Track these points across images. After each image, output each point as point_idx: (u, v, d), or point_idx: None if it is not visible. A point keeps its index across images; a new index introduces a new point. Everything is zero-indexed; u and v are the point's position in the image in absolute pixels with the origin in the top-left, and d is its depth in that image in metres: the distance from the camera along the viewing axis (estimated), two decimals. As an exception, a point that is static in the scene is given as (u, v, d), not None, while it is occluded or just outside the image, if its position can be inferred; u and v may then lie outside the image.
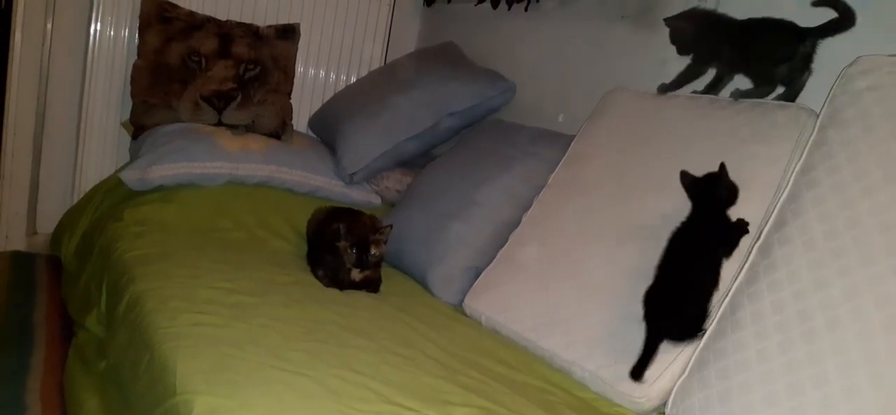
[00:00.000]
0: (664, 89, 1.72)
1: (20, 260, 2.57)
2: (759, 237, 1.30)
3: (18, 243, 2.65)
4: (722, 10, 1.67)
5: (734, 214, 1.34)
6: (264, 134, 2.43)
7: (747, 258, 1.29)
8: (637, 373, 1.30)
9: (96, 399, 1.49)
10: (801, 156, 1.32)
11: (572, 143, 1.85)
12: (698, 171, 1.36)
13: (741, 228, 1.33)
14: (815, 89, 1.45)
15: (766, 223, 1.30)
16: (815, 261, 1.17)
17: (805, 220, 1.23)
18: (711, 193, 1.33)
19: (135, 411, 1.24)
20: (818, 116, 1.34)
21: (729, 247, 1.33)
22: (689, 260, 1.31)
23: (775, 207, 1.30)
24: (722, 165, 1.32)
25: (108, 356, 1.52)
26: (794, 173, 1.31)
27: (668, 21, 1.67)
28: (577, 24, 2.20)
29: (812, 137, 1.32)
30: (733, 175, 1.33)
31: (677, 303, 1.30)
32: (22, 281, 2.39)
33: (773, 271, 1.21)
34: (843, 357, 1.07)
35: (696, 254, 1.31)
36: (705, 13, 1.67)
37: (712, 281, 1.30)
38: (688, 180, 1.36)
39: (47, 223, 2.60)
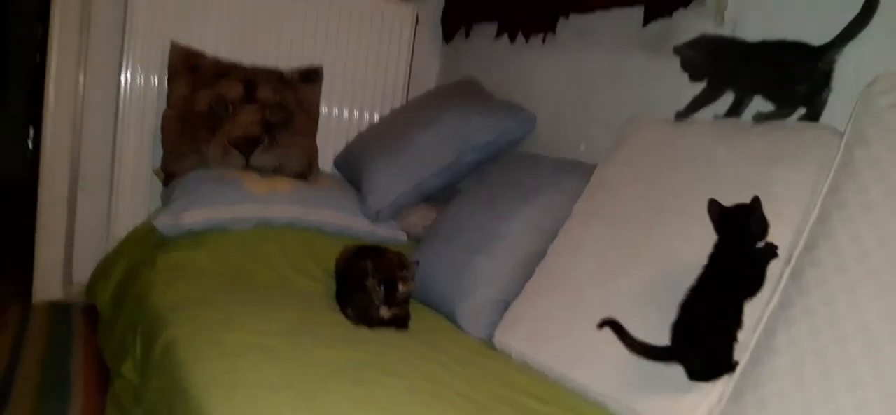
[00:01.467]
0: (680, 116, 1.71)
1: (57, 310, 2.62)
2: (790, 261, 1.27)
3: (55, 294, 2.70)
4: (733, 34, 1.66)
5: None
6: (291, 176, 2.46)
7: (779, 282, 1.26)
8: (637, 347, 1.29)
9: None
10: (828, 176, 1.30)
11: (595, 172, 1.84)
12: (723, 196, 1.32)
13: (769, 253, 1.28)
14: (837, 107, 1.43)
15: (797, 247, 1.27)
16: (848, 283, 1.14)
17: (836, 241, 1.20)
18: (741, 227, 1.28)
19: (171, 458, 1.24)
20: (843, 135, 1.32)
21: (754, 287, 1.28)
22: (714, 299, 1.27)
23: (805, 229, 1.28)
24: (756, 199, 1.26)
25: (143, 404, 1.53)
26: (823, 195, 1.28)
27: (677, 50, 1.65)
28: (595, 53, 2.20)
29: (838, 157, 1.29)
30: (760, 198, 1.29)
31: (702, 341, 1.27)
32: (59, 331, 2.43)
33: (807, 295, 1.19)
34: (883, 381, 1.03)
35: (720, 294, 1.27)
36: (715, 39, 1.65)
37: (736, 321, 1.26)
38: (716, 211, 1.30)
39: (83, 272, 2.64)
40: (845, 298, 1.14)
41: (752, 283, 1.28)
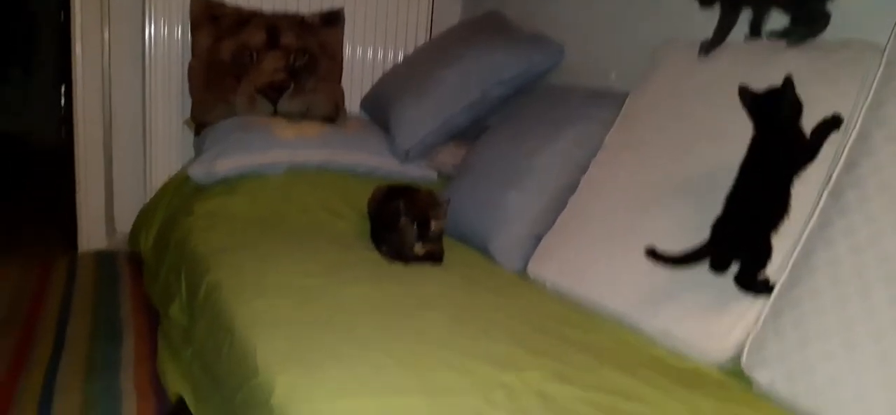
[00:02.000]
0: (706, 48, 1.65)
1: (103, 259, 2.70)
2: (829, 181, 1.25)
3: (100, 243, 2.79)
4: None
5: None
6: (319, 120, 2.47)
7: (818, 202, 1.24)
8: (665, 259, 1.30)
9: (188, 383, 1.57)
10: (868, 94, 1.26)
11: (626, 101, 1.81)
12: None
13: (829, 125, 1.24)
14: (878, 20, 1.37)
15: (837, 167, 1.25)
16: (891, 201, 1.12)
17: (878, 159, 1.17)
18: (775, 110, 1.25)
19: (223, 391, 1.29)
20: (883, 51, 1.27)
21: (802, 160, 1.25)
22: (757, 187, 1.26)
23: (845, 148, 1.25)
24: (787, 79, 1.23)
25: (193, 343, 1.59)
26: (863, 112, 1.25)
27: None
28: (623, -23, 2.13)
29: (879, 73, 1.25)
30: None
31: (744, 235, 1.26)
32: (107, 278, 2.51)
33: (848, 214, 1.17)
34: (926, 297, 1.03)
35: (764, 179, 1.25)
36: None
37: (782, 208, 1.24)
38: (748, 97, 1.28)
39: (124, 222, 2.72)
40: (888, 216, 1.12)
41: (800, 157, 1.25)
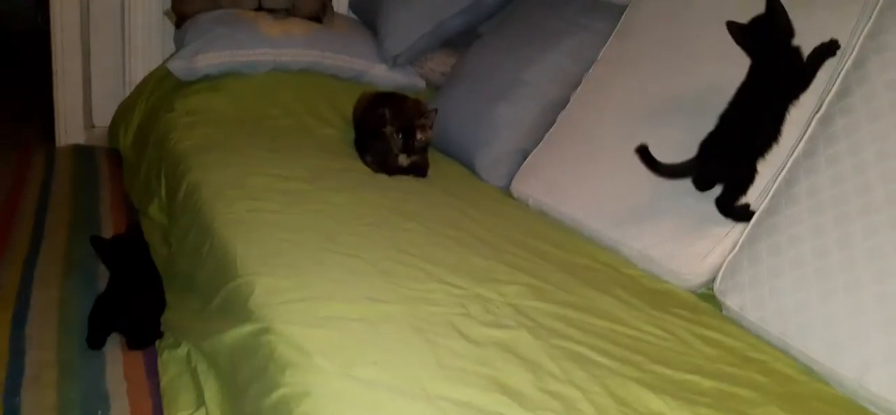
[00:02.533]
0: None
1: (81, 153, 2.69)
2: (820, 108, 1.25)
3: (78, 137, 2.77)
4: None
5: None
6: (305, 17, 2.41)
7: (806, 130, 1.26)
8: (656, 166, 1.32)
9: (165, 283, 1.60)
10: (869, 18, 1.25)
11: (624, 13, 1.78)
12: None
13: (824, 51, 1.24)
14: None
15: (829, 93, 1.25)
16: (879, 131, 1.14)
17: (871, 87, 1.18)
18: (765, 36, 1.25)
19: (202, 293, 1.33)
20: (891, -25, 1.25)
21: (801, 85, 1.25)
22: (751, 110, 1.27)
23: (838, 75, 1.25)
24: (769, 2, 1.23)
25: (171, 243, 1.61)
26: (861, 37, 1.24)
27: None
28: None
29: (882, -1, 1.24)
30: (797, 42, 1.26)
31: (730, 157, 1.29)
32: (85, 173, 2.51)
33: (834, 143, 1.18)
34: (901, 230, 1.05)
35: (758, 103, 1.27)
36: None
37: (772, 135, 1.26)
38: (735, 30, 1.28)
39: (103, 116, 2.70)
40: (873, 146, 1.14)
41: (796, 83, 1.26)
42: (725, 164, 1.30)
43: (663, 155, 1.38)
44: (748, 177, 1.27)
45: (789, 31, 1.25)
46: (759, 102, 1.27)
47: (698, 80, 1.49)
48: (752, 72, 1.28)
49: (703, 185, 1.32)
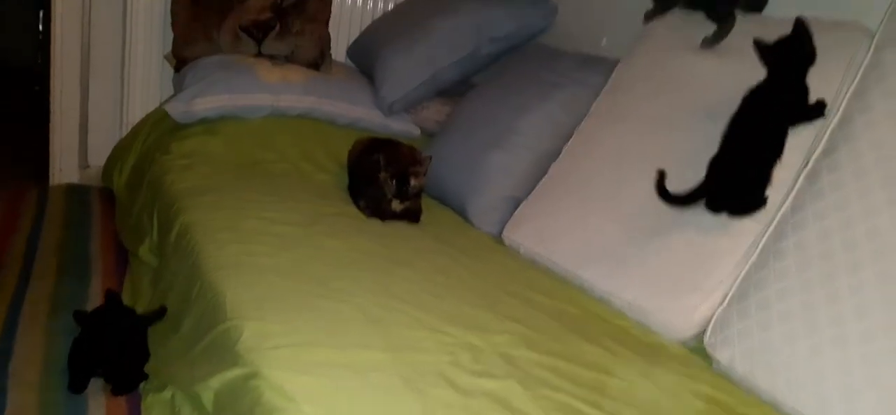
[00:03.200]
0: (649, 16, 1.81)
1: (75, 192, 2.69)
2: (807, 163, 1.28)
3: (72, 176, 2.77)
4: None
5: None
6: (303, 64, 2.45)
7: (794, 186, 1.28)
8: (668, 196, 1.34)
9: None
10: (854, 78, 1.28)
11: (615, 69, 1.82)
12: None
13: (818, 107, 1.29)
14: (873, 4, 1.39)
15: (816, 150, 1.28)
16: (864, 188, 1.16)
17: (856, 145, 1.20)
18: (790, 54, 1.29)
19: (188, 336, 1.32)
20: (874, 36, 1.29)
21: (801, 117, 1.30)
22: (757, 127, 1.30)
23: (825, 132, 1.28)
24: (798, 21, 1.28)
25: (160, 285, 1.60)
26: (847, 97, 1.27)
27: None
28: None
29: (867, 59, 1.28)
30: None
31: (739, 172, 1.31)
32: (77, 213, 2.51)
33: (820, 199, 1.20)
34: (888, 288, 1.07)
35: (765, 121, 1.30)
36: None
37: (777, 151, 1.29)
38: (762, 45, 1.32)
39: (98, 156, 2.71)
40: (859, 204, 1.15)
41: (800, 113, 1.30)
42: (736, 177, 1.33)
43: (656, 209, 1.39)
44: (761, 183, 1.30)
45: (813, 56, 1.29)
46: (767, 115, 1.30)
47: (687, 133, 1.51)
48: (759, 91, 1.31)
49: (715, 204, 1.33)
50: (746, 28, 1.57)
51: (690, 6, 1.71)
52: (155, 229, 1.77)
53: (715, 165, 1.33)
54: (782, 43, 1.29)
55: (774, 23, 1.48)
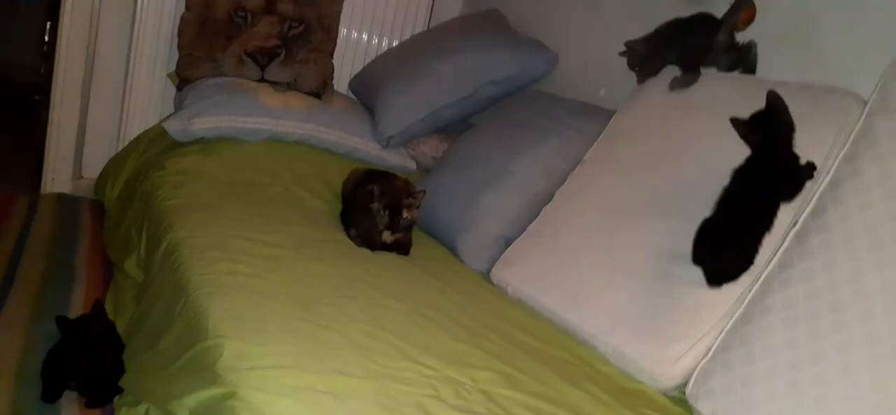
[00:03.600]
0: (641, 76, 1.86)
1: (65, 203, 2.68)
2: (795, 223, 1.29)
3: (64, 186, 2.77)
4: None
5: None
6: (305, 92, 2.48)
7: (782, 243, 1.29)
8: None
9: (127, 341, 1.56)
10: (845, 143, 1.30)
11: (612, 119, 1.85)
12: (740, 151, 1.34)
13: (808, 169, 1.31)
14: (864, 74, 1.42)
15: (805, 210, 1.29)
16: (852, 251, 1.16)
17: (845, 208, 1.22)
18: (769, 129, 1.31)
19: (167, 352, 1.29)
20: (866, 103, 1.32)
21: (792, 188, 1.31)
22: (748, 199, 1.31)
23: (815, 194, 1.29)
24: (771, 94, 1.30)
25: (143, 300, 1.59)
26: (838, 160, 1.29)
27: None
28: (623, -5, 2.18)
29: (859, 124, 1.30)
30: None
31: (728, 241, 1.31)
32: (66, 223, 2.50)
33: (809, 259, 1.21)
34: (872, 350, 1.07)
35: (756, 194, 1.31)
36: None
37: (767, 223, 1.30)
38: (739, 125, 1.34)
39: (92, 168, 2.71)
40: (847, 266, 1.16)
41: (790, 185, 1.31)
42: (723, 249, 1.33)
43: (646, 257, 1.40)
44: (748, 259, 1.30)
45: (791, 128, 1.31)
46: (755, 193, 1.31)
47: (680, 187, 1.53)
48: (751, 161, 1.33)
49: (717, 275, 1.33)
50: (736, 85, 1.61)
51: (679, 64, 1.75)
52: (143, 244, 1.76)
53: (705, 230, 1.33)
54: (759, 118, 1.32)
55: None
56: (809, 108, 1.42)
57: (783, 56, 1.65)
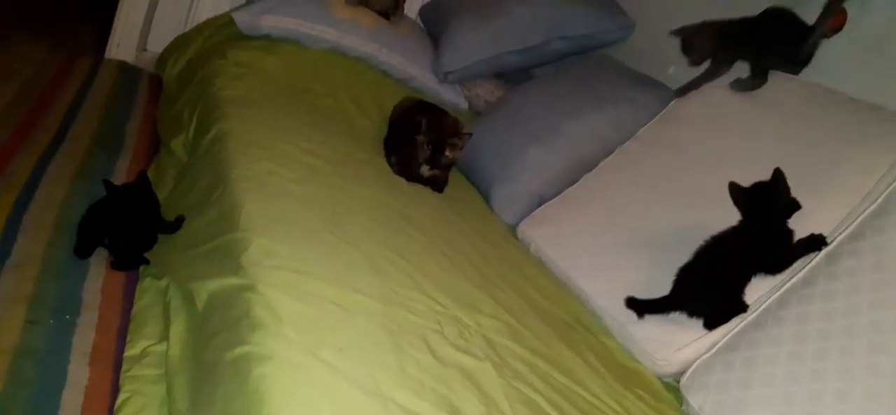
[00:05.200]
0: (681, 92, 1.86)
1: (126, 72, 2.82)
2: (830, 242, 1.31)
3: (128, 55, 2.91)
4: None
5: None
6: (376, 10, 2.52)
7: (812, 258, 1.31)
8: (636, 307, 1.39)
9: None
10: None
11: (672, 102, 1.85)
12: (793, 158, 1.36)
13: (813, 244, 1.31)
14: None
15: (843, 231, 1.30)
16: (879, 281, 1.19)
17: (885, 239, 1.23)
18: (765, 205, 1.33)
19: (197, 235, 1.39)
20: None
21: (780, 263, 1.33)
22: (726, 264, 1.34)
23: (858, 217, 1.30)
24: (776, 172, 1.31)
25: (184, 180, 1.69)
26: (890, 189, 1.30)
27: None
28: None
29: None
30: (815, 176, 1.34)
31: (709, 289, 1.35)
32: (124, 92, 2.63)
33: (834, 280, 1.24)
34: (874, 381, 1.10)
35: (732, 261, 1.34)
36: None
37: (739, 286, 1.34)
38: (736, 192, 1.35)
39: (157, 44, 2.84)
40: (871, 295, 1.19)
41: (775, 262, 1.33)
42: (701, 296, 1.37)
43: (676, 244, 1.43)
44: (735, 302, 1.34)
45: (793, 208, 1.31)
46: (735, 258, 1.34)
47: (723, 181, 1.54)
48: (736, 230, 1.35)
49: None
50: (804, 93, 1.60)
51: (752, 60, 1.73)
52: (193, 126, 1.87)
53: (684, 275, 1.37)
54: (760, 191, 1.33)
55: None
56: (871, 128, 1.41)
57: (865, 70, 1.62)
